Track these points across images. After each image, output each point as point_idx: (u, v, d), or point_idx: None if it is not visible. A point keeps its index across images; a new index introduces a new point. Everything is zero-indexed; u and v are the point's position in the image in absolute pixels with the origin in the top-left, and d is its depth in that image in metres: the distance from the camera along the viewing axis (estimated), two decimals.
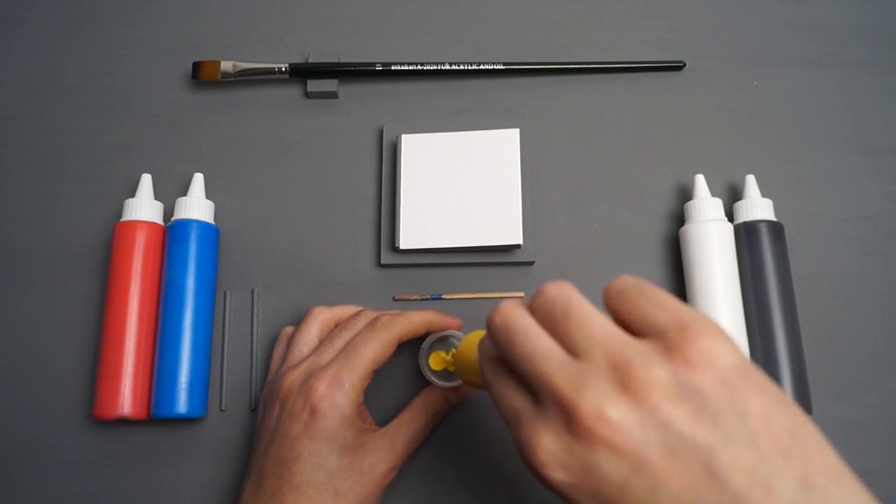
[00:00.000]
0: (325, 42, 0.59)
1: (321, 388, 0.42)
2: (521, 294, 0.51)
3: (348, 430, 0.42)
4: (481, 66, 0.56)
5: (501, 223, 0.50)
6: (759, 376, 0.27)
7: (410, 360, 0.50)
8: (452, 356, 0.45)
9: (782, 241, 0.49)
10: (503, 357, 0.31)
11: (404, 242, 0.50)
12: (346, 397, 0.42)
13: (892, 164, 0.54)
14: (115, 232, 0.50)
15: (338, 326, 0.47)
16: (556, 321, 0.29)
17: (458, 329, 0.48)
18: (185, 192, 0.52)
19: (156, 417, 0.47)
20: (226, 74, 0.55)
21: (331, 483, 0.41)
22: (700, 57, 0.57)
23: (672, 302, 0.28)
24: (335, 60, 0.57)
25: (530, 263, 0.52)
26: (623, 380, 0.26)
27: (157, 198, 0.52)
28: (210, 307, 0.50)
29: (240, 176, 0.55)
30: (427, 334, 0.47)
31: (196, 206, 0.51)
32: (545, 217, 0.53)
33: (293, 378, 0.43)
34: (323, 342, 0.46)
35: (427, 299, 0.52)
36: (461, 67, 0.56)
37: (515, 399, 0.30)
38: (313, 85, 0.56)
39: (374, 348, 0.43)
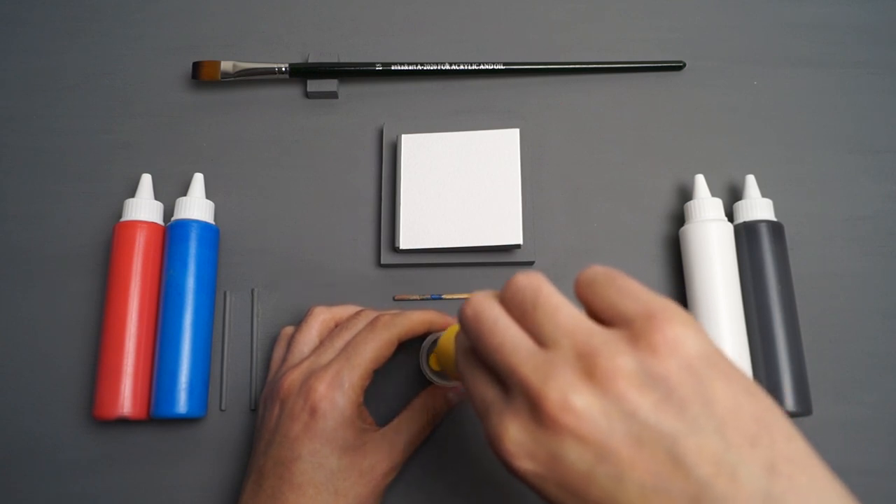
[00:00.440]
0: (325, 42, 0.59)
1: (321, 388, 0.42)
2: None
3: (348, 429, 0.42)
4: (481, 66, 0.56)
5: (501, 223, 0.50)
6: (727, 364, 0.27)
7: (411, 360, 0.50)
8: (435, 351, 0.45)
9: (782, 241, 0.49)
10: (474, 348, 0.31)
11: (404, 242, 0.50)
12: (346, 397, 0.42)
13: (892, 164, 0.54)
14: (115, 232, 0.50)
15: (338, 326, 0.47)
16: (525, 311, 0.29)
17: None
18: (185, 192, 0.52)
19: (156, 417, 0.47)
20: (226, 74, 0.55)
21: (331, 483, 0.41)
22: (700, 57, 0.57)
23: (641, 291, 0.28)
24: (335, 60, 0.57)
25: (530, 263, 0.52)
26: (589, 369, 0.26)
27: (157, 198, 0.52)
28: (210, 307, 0.50)
29: (240, 176, 0.55)
30: (427, 334, 0.47)
31: (196, 206, 0.51)
32: (545, 217, 0.53)
33: (293, 378, 0.43)
34: (323, 342, 0.46)
35: (427, 299, 0.52)
36: (461, 67, 0.56)
37: (486, 390, 0.30)
38: (313, 85, 0.56)
39: (373, 348, 0.43)
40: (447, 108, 0.57)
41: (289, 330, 0.49)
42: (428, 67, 0.56)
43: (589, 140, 0.55)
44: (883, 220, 0.53)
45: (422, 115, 0.56)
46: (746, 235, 0.49)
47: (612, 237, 0.53)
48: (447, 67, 0.56)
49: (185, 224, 0.50)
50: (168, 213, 0.52)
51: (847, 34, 0.58)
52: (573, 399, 0.26)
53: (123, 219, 0.50)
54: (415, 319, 0.46)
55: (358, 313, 0.47)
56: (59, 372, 0.50)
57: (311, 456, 0.41)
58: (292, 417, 0.42)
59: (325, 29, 0.59)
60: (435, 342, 0.48)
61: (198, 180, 0.52)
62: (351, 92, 0.57)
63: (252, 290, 0.52)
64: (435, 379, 0.47)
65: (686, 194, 0.54)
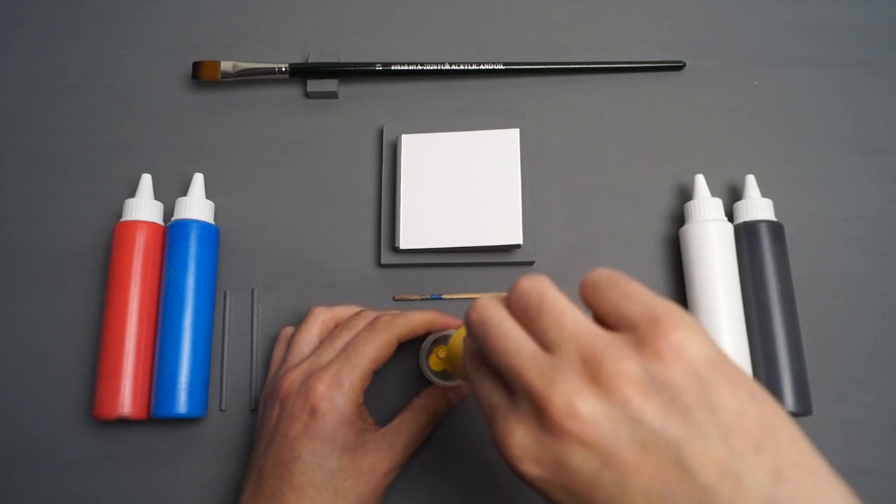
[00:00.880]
0: (325, 42, 0.59)
1: (321, 388, 0.42)
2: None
3: (348, 430, 0.42)
4: (481, 66, 0.56)
5: (501, 223, 0.50)
6: (732, 368, 0.27)
7: (410, 360, 0.50)
8: (445, 353, 0.45)
9: (782, 241, 0.49)
10: (480, 352, 0.31)
11: (404, 242, 0.50)
12: (346, 397, 0.42)
13: (892, 164, 0.54)
14: (115, 232, 0.50)
15: (338, 327, 0.47)
16: (530, 315, 0.29)
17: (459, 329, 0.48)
18: (185, 192, 0.52)
19: (156, 417, 0.47)
20: (226, 74, 0.55)
21: (331, 483, 0.41)
22: (700, 57, 0.57)
23: (645, 294, 0.28)
24: (335, 60, 0.57)
25: (530, 263, 0.52)
26: (593, 374, 0.26)
27: (157, 198, 0.52)
28: (210, 307, 0.50)
29: (240, 176, 0.55)
30: (427, 334, 0.47)
31: (196, 206, 0.51)
32: (545, 217, 0.53)
33: (293, 378, 0.43)
34: (323, 342, 0.46)
35: (427, 299, 0.52)
36: (461, 67, 0.56)
37: (492, 394, 0.30)
38: (313, 85, 0.56)
39: (374, 348, 0.43)
40: (447, 108, 0.57)
41: (289, 330, 0.49)
42: (428, 67, 0.56)
43: (589, 140, 0.55)
44: (883, 220, 0.53)
45: (422, 115, 0.56)
46: (746, 235, 0.49)
47: (612, 237, 0.53)
48: (447, 67, 0.56)
49: (185, 224, 0.50)
50: (168, 213, 0.52)
51: (847, 34, 0.58)
52: (578, 404, 0.26)
53: (123, 219, 0.50)
54: (415, 320, 0.46)
55: (358, 313, 0.47)
56: (59, 372, 0.50)
57: (311, 456, 0.41)
58: (292, 417, 0.42)
59: (325, 29, 0.59)
60: (435, 342, 0.48)
61: (198, 180, 0.52)
62: (351, 92, 0.57)
63: (252, 290, 0.52)
64: (435, 379, 0.47)
65: (686, 194, 0.54)
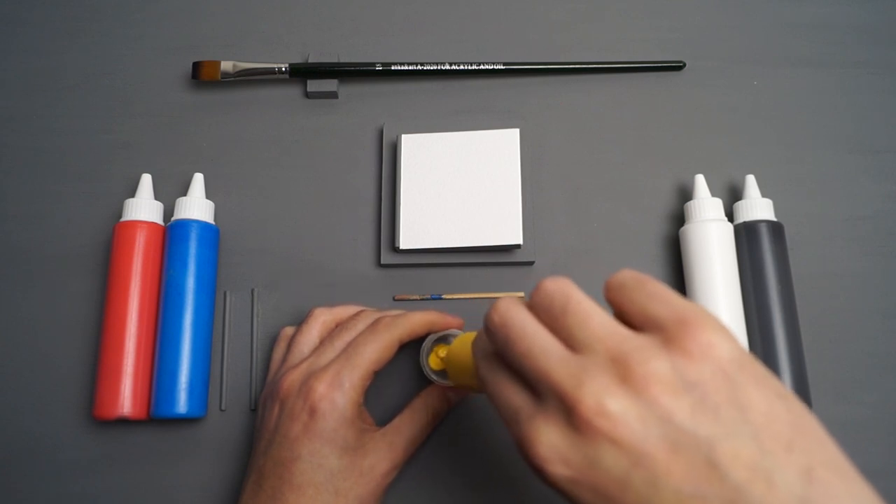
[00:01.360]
0: (325, 42, 0.59)
1: (321, 387, 0.42)
2: (521, 294, 0.51)
3: (348, 430, 0.42)
4: (481, 66, 0.56)
5: (501, 223, 0.50)
6: (760, 369, 0.27)
7: (411, 359, 0.50)
8: (445, 356, 0.45)
9: (782, 241, 0.49)
10: (501, 354, 0.31)
11: (404, 242, 0.50)
12: (346, 397, 0.42)
13: (892, 164, 0.54)
14: (115, 232, 0.50)
15: (338, 326, 0.47)
16: (555, 317, 0.29)
17: (460, 328, 0.48)
18: (185, 192, 0.52)
19: (156, 417, 0.47)
20: (226, 74, 0.55)
21: (331, 483, 0.41)
22: (700, 57, 0.57)
23: (671, 296, 0.28)
24: (335, 60, 0.57)
25: (530, 263, 0.52)
26: (623, 373, 0.26)
27: (157, 198, 0.52)
28: (210, 307, 0.50)
29: (240, 176, 0.55)
30: (428, 334, 0.47)
31: (196, 206, 0.51)
32: (545, 217, 0.53)
33: (293, 378, 0.43)
34: (323, 342, 0.46)
35: (427, 299, 0.52)
36: (461, 67, 0.56)
37: (514, 396, 0.30)
38: (313, 85, 0.56)
39: (375, 349, 0.43)
40: (447, 108, 0.57)
41: (289, 330, 0.49)
42: (428, 67, 0.56)
43: (589, 140, 0.55)
44: (883, 220, 0.53)
45: (422, 115, 0.56)
46: (746, 235, 0.49)
47: (612, 237, 0.53)
48: (447, 67, 0.56)
49: (185, 224, 0.50)
50: (168, 213, 0.52)
51: (847, 34, 0.58)
52: (608, 403, 0.26)
53: (123, 219, 0.50)
54: (416, 321, 0.46)
55: (358, 314, 0.47)
56: (59, 372, 0.50)
57: (311, 456, 0.41)
58: (292, 417, 0.42)
59: (325, 29, 0.59)
60: (435, 342, 0.48)
61: (198, 180, 0.52)
62: (351, 92, 0.57)
63: (252, 290, 0.52)
64: (435, 378, 0.47)
65: (686, 194, 0.54)
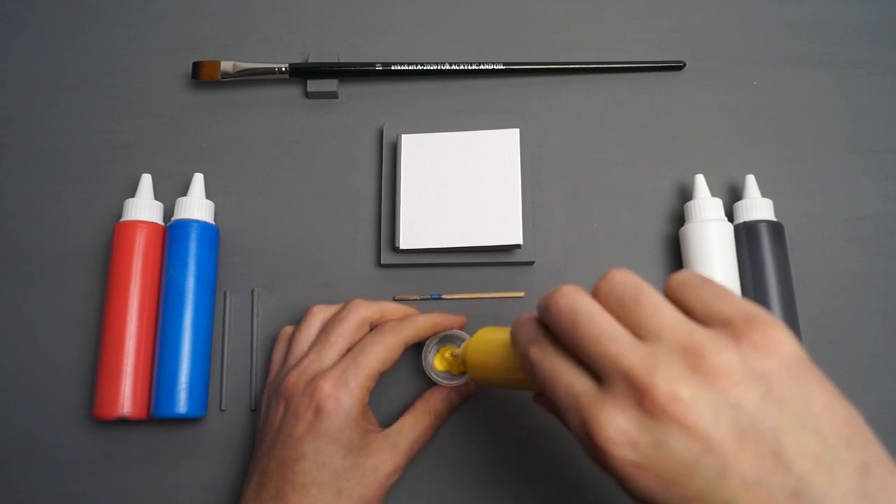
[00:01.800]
0: (325, 42, 0.59)
1: (327, 386, 0.42)
2: (522, 294, 0.51)
3: (353, 430, 0.42)
4: (481, 66, 0.56)
5: (501, 223, 0.50)
6: (817, 369, 0.28)
7: (414, 360, 0.50)
8: (462, 353, 0.44)
9: (782, 241, 0.49)
10: (562, 339, 0.31)
11: (404, 242, 0.50)
12: (352, 397, 0.42)
13: (892, 164, 0.54)
14: (115, 232, 0.50)
15: (331, 319, 0.47)
16: (625, 306, 0.30)
17: (461, 327, 0.48)
18: (185, 192, 0.52)
19: (156, 417, 0.47)
20: (226, 74, 0.55)
21: (335, 483, 0.41)
22: (700, 57, 0.57)
23: (735, 296, 0.29)
24: (335, 60, 0.57)
25: (530, 263, 0.52)
26: (694, 363, 0.27)
27: (157, 198, 0.52)
28: (210, 307, 0.50)
29: (240, 176, 0.55)
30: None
31: (196, 206, 0.51)
32: (545, 217, 0.53)
33: (296, 377, 0.43)
34: (319, 338, 0.46)
35: (427, 299, 0.52)
36: (461, 67, 0.56)
37: (575, 380, 0.30)
38: (313, 85, 0.56)
39: (381, 350, 0.43)
40: (447, 108, 0.57)
41: (288, 330, 0.49)
42: (428, 67, 0.56)
43: (589, 140, 0.55)
44: (883, 220, 0.53)
45: (422, 115, 0.56)
46: (746, 235, 0.49)
47: (612, 237, 0.53)
48: (447, 67, 0.56)
49: (185, 224, 0.50)
50: (168, 213, 0.52)
51: (847, 34, 0.58)
52: (681, 390, 0.26)
53: (123, 219, 0.50)
54: (421, 324, 0.46)
55: (347, 303, 0.47)
56: (59, 372, 0.50)
57: (316, 455, 0.41)
58: (297, 416, 0.42)
59: (325, 29, 0.59)
60: (439, 342, 0.48)
61: (198, 180, 0.52)
62: (351, 92, 0.57)
63: (252, 290, 0.52)
64: (439, 379, 0.47)
65: (686, 194, 0.54)
